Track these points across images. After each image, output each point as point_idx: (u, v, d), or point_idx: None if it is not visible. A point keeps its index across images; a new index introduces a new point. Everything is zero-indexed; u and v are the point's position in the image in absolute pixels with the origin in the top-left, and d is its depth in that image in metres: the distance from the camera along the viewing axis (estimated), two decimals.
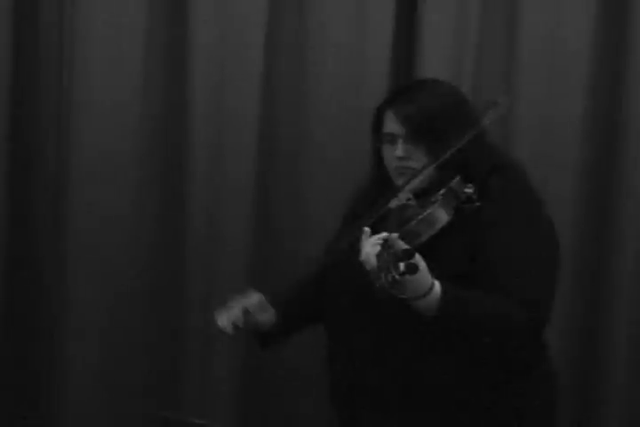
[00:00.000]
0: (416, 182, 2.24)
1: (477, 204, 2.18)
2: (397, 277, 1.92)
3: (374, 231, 2.13)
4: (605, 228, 3.29)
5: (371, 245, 2.06)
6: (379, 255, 1.97)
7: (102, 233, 3.08)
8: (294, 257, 3.12)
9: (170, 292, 3.16)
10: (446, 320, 2.11)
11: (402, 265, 1.92)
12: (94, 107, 3.05)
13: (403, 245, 1.99)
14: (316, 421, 2.99)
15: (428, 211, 2.14)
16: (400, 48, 3.23)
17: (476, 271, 2.18)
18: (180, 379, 3.12)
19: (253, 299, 2.34)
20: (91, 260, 3.07)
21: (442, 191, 2.19)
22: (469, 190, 2.19)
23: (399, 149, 2.25)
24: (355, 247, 2.17)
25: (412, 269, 1.93)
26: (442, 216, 2.15)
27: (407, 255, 1.94)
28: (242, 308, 2.31)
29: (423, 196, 2.23)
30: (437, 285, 2.08)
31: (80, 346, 3.09)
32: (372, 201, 2.29)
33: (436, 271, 2.08)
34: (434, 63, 3.16)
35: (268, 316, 2.38)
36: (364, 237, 2.12)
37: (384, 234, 2.06)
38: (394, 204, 2.22)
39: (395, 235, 2.01)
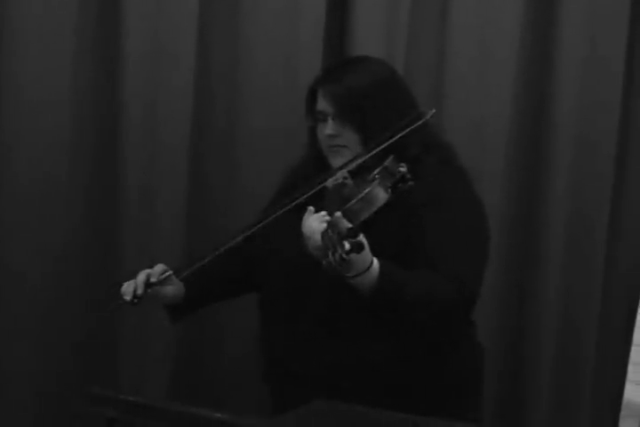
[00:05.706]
0: (352, 166, 2.29)
1: (411, 183, 2.21)
2: (344, 255, 1.95)
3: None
4: (532, 217, 3.36)
5: (315, 223, 2.10)
6: (323, 234, 2.00)
7: (34, 196, 2.97)
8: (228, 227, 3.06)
9: (104, 262, 3.08)
10: (384, 296, 2.14)
11: (347, 244, 1.96)
12: (25, 67, 2.91)
13: (347, 224, 2.02)
14: (250, 401, 3.00)
15: (368, 189, 2.17)
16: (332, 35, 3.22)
17: (410, 250, 2.22)
18: (116, 355, 3.08)
19: (156, 270, 2.36)
20: (24, 221, 2.97)
21: (377, 170, 2.23)
22: (403, 169, 2.22)
23: (329, 127, 2.32)
24: (289, 225, 2.20)
25: (358, 247, 1.98)
26: (380, 195, 2.18)
27: (352, 234, 1.97)
28: (144, 278, 2.33)
29: (358, 174, 2.26)
30: (376, 261, 2.12)
31: (10, 318, 3.01)
32: (307, 178, 2.32)
33: (372, 250, 2.10)
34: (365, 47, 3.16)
35: (173, 289, 2.40)
36: (307, 214, 2.14)
37: (325, 213, 2.10)
38: (330, 183, 2.26)
39: (339, 213, 2.04)
